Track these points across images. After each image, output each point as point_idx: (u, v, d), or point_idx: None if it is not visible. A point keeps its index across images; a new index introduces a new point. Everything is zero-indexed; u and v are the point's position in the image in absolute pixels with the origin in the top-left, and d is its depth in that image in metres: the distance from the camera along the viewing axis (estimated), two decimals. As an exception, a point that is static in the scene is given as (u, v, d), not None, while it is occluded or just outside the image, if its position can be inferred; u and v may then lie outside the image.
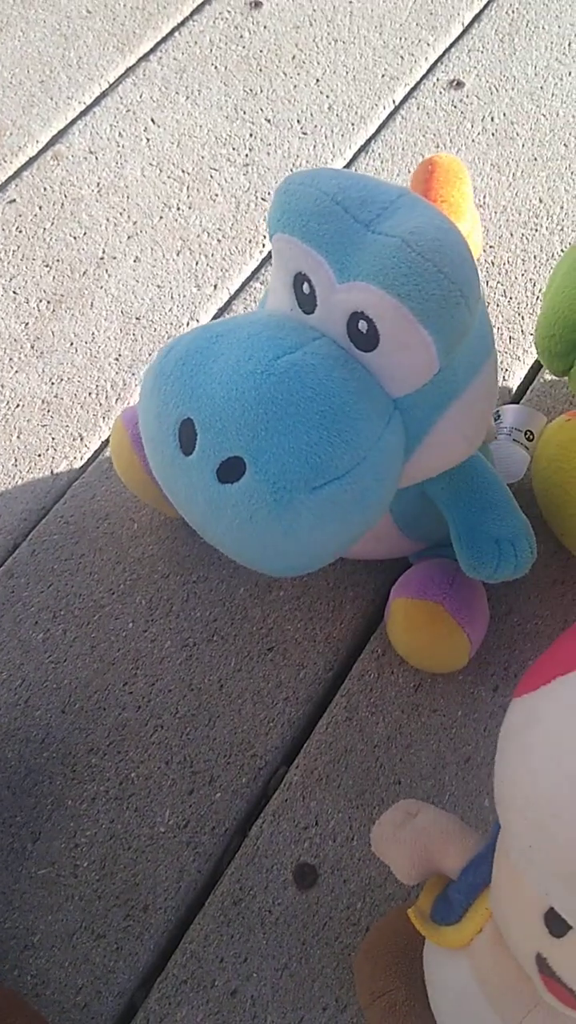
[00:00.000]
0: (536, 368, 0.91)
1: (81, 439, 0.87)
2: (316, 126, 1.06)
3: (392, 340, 0.52)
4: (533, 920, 0.45)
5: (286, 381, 0.51)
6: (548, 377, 0.90)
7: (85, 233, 0.99)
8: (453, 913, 0.55)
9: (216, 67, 1.11)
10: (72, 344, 0.92)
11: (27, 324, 0.94)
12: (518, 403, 0.87)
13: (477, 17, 1.15)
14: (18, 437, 0.88)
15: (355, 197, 0.52)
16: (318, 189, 0.52)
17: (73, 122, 1.07)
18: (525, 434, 0.80)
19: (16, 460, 0.86)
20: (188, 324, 0.93)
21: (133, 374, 0.91)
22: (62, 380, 0.90)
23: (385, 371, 0.53)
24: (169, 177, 1.03)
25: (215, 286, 0.96)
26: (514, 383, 0.89)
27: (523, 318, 0.92)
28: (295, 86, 1.09)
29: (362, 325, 0.52)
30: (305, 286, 0.54)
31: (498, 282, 0.95)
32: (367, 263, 0.51)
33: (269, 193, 1.01)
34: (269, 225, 0.54)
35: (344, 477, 0.51)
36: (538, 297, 0.93)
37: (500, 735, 0.45)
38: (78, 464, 0.86)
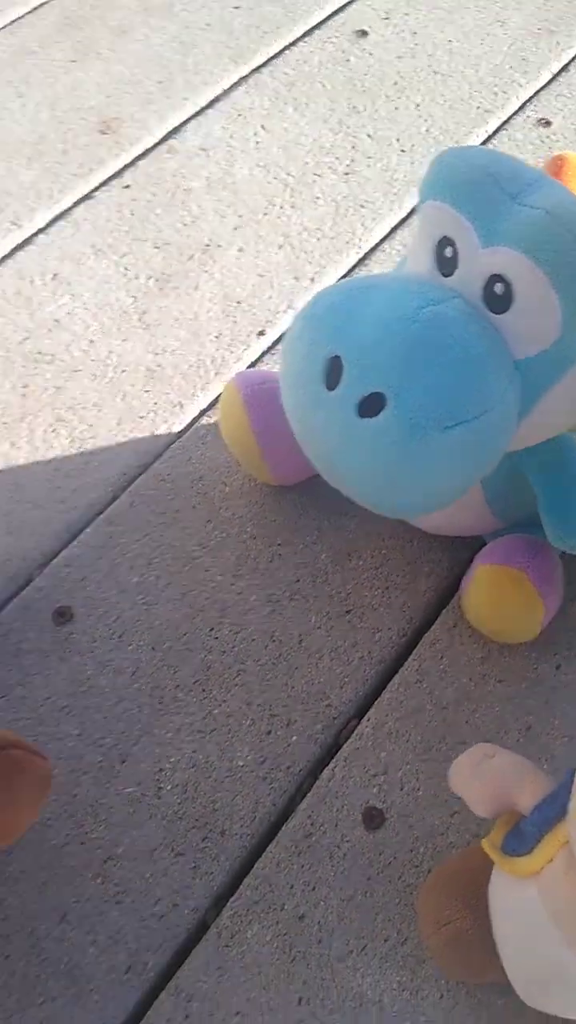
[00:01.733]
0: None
1: (181, 406, 0.93)
2: (414, 145, 1.13)
3: (525, 303, 0.57)
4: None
5: (431, 328, 0.56)
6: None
7: (193, 221, 1.06)
8: (524, 844, 0.60)
9: (323, 84, 1.18)
10: (176, 320, 0.98)
11: (136, 298, 1.00)
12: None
13: (565, 68, 1.23)
14: (122, 399, 0.93)
15: (505, 171, 0.58)
16: (472, 163, 0.58)
17: (187, 121, 1.15)
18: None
19: (120, 420, 0.92)
20: (285, 311, 0.99)
21: (232, 352, 0.96)
22: (165, 352, 0.96)
23: (513, 333, 0.59)
24: (275, 179, 1.09)
25: (312, 279, 1.02)
26: None
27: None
28: (396, 108, 1.16)
29: (498, 288, 0.58)
30: (448, 250, 0.59)
31: None
32: (512, 230, 0.56)
33: (368, 200, 1.08)
34: (421, 193, 0.60)
35: (472, 422, 0.57)
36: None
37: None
38: (177, 428, 0.92)
